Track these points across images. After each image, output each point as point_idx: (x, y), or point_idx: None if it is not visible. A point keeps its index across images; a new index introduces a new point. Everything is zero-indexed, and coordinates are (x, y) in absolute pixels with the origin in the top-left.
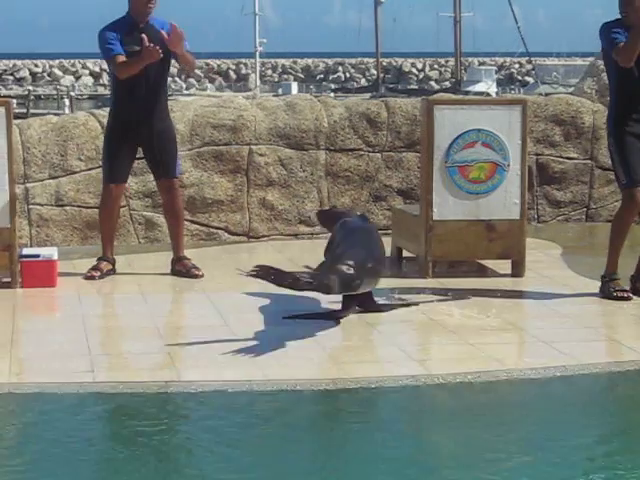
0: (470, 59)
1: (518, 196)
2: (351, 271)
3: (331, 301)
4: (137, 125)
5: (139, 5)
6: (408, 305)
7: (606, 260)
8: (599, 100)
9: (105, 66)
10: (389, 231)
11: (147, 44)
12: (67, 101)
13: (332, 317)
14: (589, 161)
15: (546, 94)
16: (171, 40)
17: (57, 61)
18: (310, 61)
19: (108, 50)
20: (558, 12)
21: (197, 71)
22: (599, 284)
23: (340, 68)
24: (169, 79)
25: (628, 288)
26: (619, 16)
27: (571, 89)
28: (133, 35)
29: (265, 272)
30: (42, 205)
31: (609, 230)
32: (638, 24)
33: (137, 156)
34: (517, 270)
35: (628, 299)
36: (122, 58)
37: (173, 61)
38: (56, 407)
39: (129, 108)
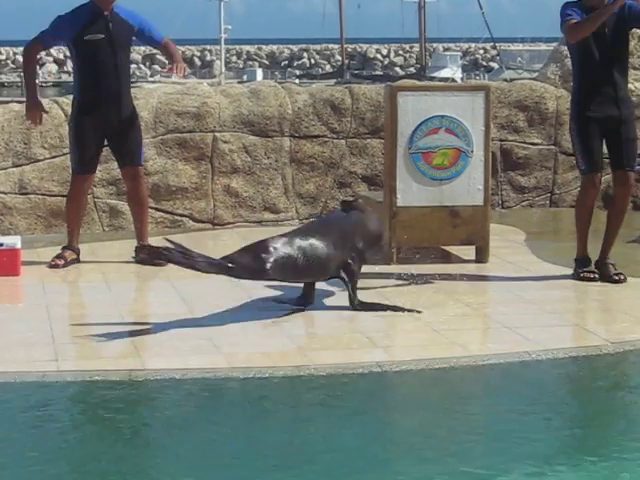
0: (435, 45)
1: (482, 182)
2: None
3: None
4: (102, 113)
5: None
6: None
7: (570, 245)
8: (562, 86)
9: (68, 53)
10: None
11: (38, 108)
12: None
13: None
14: (553, 147)
15: (511, 79)
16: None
17: (21, 48)
18: (275, 47)
19: (42, 32)
20: None
21: (162, 57)
22: (562, 269)
23: (305, 54)
24: (134, 66)
25: (596, 270)
26: None
27: (535, 74)
28: (97, 23)
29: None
30: (5, 193)
31: (572, 215)
32: (600, 6)
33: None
34: (481, 256)
35: (594, 280)
36: (38, 48)
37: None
38: (20, 395)
39: (94, 96)
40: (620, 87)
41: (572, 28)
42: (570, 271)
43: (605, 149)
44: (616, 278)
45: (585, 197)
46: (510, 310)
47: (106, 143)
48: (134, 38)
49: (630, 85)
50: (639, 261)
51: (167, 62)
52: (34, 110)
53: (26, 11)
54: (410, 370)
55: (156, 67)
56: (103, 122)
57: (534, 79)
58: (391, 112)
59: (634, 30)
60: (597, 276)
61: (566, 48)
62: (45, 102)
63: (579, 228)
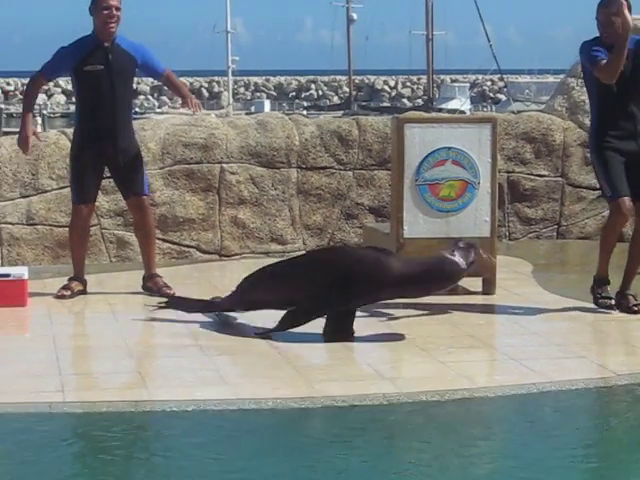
0: (442, 77)
1: (488, 214)
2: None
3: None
4: (102, 143)
5: (100, 25)
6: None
7: (576, 277)
8: (569, 118)
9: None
10: None
11: (29, 134)
12: (39, 119)
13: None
14: (560, 178)
15: (518, 111)
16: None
17: (27, 79)
18: (283, 79)
19: (44, 64)
20: (529, 29)
21: None
22: (569, 301)
23: (313, 86)
24: (142, 97)
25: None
26: (597, 35)
27: (543, 106)
28: (97, 54)
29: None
30: (13, 224)
31: (579, 247)
32: (619, 42)
33: (107, 174)
34: (488, 288)
35: (610, 307)
36: (41, 81)
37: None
38: (26, 427)
39: (94, 126)
40: (638, 120)
41: (606, 69)
42: (577, 303)
43: None
44: (636, 309)
45: (613, 223)
46: (516, 342)
47: (109, 174)
48: (137, 70)
49: None
50: None
51: (174, 96)
52: (24, 142)
53: (33, 43)
54: (417, 402)
55: (164, 98)
56: (101, 152)
57: (541, 111)
58: (398, 144)
59: None
60: (612, 304)
61: (573, 80)
62: (53, 133)
63: (603, 249)
